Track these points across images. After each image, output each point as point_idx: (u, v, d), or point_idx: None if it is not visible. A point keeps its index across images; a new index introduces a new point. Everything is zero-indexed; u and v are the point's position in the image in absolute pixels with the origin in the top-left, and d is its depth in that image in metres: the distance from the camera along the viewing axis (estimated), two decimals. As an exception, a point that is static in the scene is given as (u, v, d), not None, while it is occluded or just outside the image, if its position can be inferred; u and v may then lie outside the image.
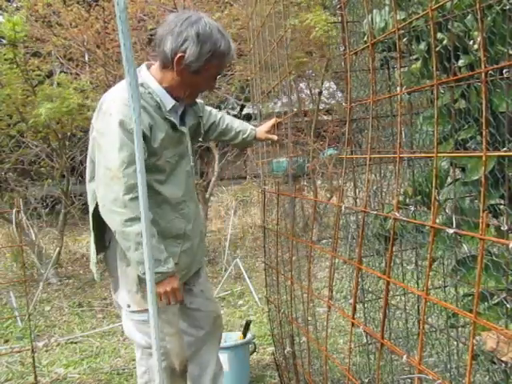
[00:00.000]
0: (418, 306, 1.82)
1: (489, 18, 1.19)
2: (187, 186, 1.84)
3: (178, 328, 1.91)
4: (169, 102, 1.72)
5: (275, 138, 2.16)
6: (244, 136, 2.15)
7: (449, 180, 1.40)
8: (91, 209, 1.76)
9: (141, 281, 1.74)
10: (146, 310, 1.69)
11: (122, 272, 1.80)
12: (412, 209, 1.46)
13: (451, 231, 1.00)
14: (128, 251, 1.65)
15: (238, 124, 2.16)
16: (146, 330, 1.76)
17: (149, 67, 1.77)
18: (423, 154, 1.54)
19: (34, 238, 4.76)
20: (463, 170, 1.36)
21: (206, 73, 1.69)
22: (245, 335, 2.60)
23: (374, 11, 1.48)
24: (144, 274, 1.61)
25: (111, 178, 1.60)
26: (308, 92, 6.35)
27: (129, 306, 1.80)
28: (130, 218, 1.59)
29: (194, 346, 2.07)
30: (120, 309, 1.93)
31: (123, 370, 2.83)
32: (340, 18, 1.80)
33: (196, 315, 2.05)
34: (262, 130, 2.18)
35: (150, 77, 1.71)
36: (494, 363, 1.22)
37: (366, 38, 1.50)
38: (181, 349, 1.90)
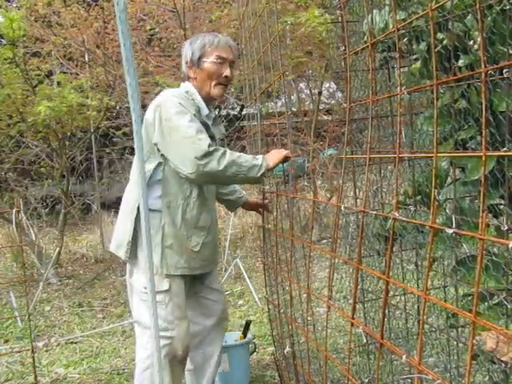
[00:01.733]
0: (418, 306, 1.82)
1: (489, 18, 1.19)
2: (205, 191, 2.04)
3: (186, 313, 2.03)
4: (205, 108, 2.03)
5: (266, 208, 2.38)
6: (236, 197, 2.39)
7: (449, 180, 1.40)
8: (135, 196, 1.93)
9: (163, 259, 1.91)
10: (162, 292, 1.90)
11: (143, 256, 1.87)
12: (412, 209, 1.46)
13: (451, 231, 1.00)
14: (244, 173, 1.85)
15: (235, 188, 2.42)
16: (158, 311, 1.84)
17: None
18: (423, 154, 1.54)
19: (33, 238, 4.76)
20: (463, 170, 1.36)
21: (209, 60, 2.00)
22: (245, 335, 2.60)
23: (374, 11, 1.48)
24: (263, 173, 1.87)
25: (191, 141, 1.81)
26: (308, 92, 6.35)
27: (145, 288, 1.88)
28: (220, 158, 1.80)
29: (200, 335, 2.17)
30: (131, 294, 2.04)
31: (123, 370, 2.83)
32: (339, 18, 1.80)
33: (205, 303, 2.18)
34: (251, 202, 2.46)
35: (192, 87, 2.04)
36: (494, 363, 1.22)
37: (365, 38, 1.50)
38: (186, 335, 2.01)
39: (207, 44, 2.00)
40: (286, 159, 1.97)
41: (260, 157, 1.92)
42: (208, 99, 2.06)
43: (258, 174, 1.87)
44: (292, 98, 5.80)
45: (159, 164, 1.93)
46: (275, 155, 1.94)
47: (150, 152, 1.93)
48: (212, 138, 1.97)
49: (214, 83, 2.02)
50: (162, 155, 1.91)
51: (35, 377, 2.35)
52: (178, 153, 1.84)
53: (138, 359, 2.01)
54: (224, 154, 1.83)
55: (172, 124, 1.85)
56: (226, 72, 2.02)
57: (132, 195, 1.99)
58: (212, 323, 2.19)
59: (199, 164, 1.79)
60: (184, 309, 2.01)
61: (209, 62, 2.00)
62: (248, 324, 2.62)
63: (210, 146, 1.81)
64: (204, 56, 2.00)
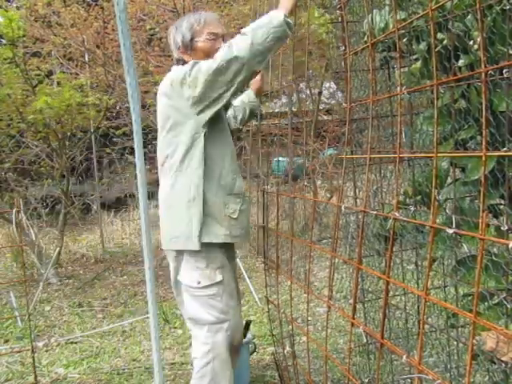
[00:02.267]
0: (418, 306, 1.82)
1: (489, 18, 1.19)
2: (233, 152, 2.03)
3: (237, 301, 2.04)
4: None
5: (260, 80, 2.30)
6: (248, 101, 2.31)
7: (449, 180, 1.40)
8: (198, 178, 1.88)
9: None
10: (215, 284, 1.91)
11: (190, 251, 1.88)
12: (412, 209, 1.46)
13: (451, 231, 1.00)
14: (271, 26, 1.74)
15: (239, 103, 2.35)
16: (215, 303, 1.89)
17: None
18: (423, 154, 1.54)
19: (34, 238, 4.76)
20: (463, 170, 1.36)
21: (201, 39, 1.95)
22: (245, 335, 2.60)
23: (374, 11, 1.48)
24: (285, 15, 1.74)
25: (214, 68, 1.77)
26: (308, 92, 6.35)
27: (199, 283, 1.89)
28: (243, 42, 1.75)
29: None
30: (178, 296, 2.03)
31: (123, 370, 2.83)
32: (339, 18, 1.80)
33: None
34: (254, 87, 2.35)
35: None
36: (494, 363, 1.22)
37: (366, 38, 1.50)
38: (240, 322, 2.04)
39: (195, 23, 1.96)
40: None
41: (271, 12, 1.81)
42: None
43: (281, 17, 1.74)
44: (292, 98, 5.80)
45: (191, 137, 1.88)
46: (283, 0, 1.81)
47: (177, 129, 1.89)
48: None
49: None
50: (199, 126, 1.87)
51: (35, 377, 2.35)
52: (217, 70, 1.78)
53: (198, 355, 1.94)
54: (243, 32, 1.78)
55: (192, 76, 1.82)
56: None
57: (181, 186, 1.92)
58: (238, 304, 2.15)
59: (233, 54, 1.74)
60: (235, 295, 2.01)
61: (202, 41, 1.95)
62: (248, 324, 2.61)
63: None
64: (195, 36, 1.95)
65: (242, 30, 1.78)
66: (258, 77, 2.24)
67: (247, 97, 2.33)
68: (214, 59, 1.78)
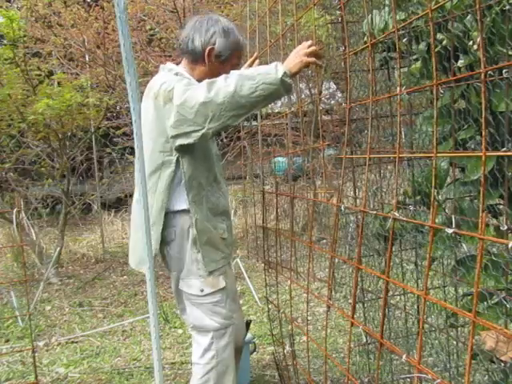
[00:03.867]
0: (418, 306, 1.82)
1: (488, 19, 1.19)
2: (219, 167, 1.95)
3: (239, 304, 2.06)
4: None
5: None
6: None
7: (448, 180, 1.40)
8: (158, 204, 1.79)
9: (204, 257, 1.82)
10: (219, 291, 1.87)
11: (192, 260, 1.83)
12: (411, 209, 1.46)
13: (451, 231, 1.00)
14: (262, 82, 1.58)
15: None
16: (219, 310, 1.87)
17: (177, 64, 1.92)
18: (423, 154, 1.55)
19: (34, 238, 4.76)
20: (463, 170, 1.36)
21: (231, 61, 1.86)
22: (245, 335, 2.61)
23: (374, 11, 1.49)
24: (284, 73, 1.56)
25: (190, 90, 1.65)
26: (308, 92, 6.35)
27: (202, 291, 1.85)
28: (225, 79, 1.61)
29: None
30: (180, 304, 1.99)
31: (124, 369, 2.84)
32: (338, 18, 1.81)
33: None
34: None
35: (183, 70, 1.86)
36: (493, 363, 1.22)
37: (365, 39, 1.50)
38: (242, 324, 2.06)
39: (238, 44, 1.86)
40: (309, 61, 1.62)
41: (272, 64, 1.64)
42: None
43: (279, 75, 1.56)
44: (292, 98, 5.80)
45: (177, 162, 1.78)
46: (292, 57, 1.63)
47: (164, 151, 1.78)
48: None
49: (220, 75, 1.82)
50: (177, 149, 1.75)
51: (36, 376, 2.35)
52: (187, 107, 1.63)
53: (202, 361, 1.90)
54: (227, 76, 1.62)
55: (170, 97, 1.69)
56: (235, 65, 1.89)
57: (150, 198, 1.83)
58: (238, 308, 2.17)
59: (209, 97, 1.58)
60: (237, 300, 2.02)
61: (232, 62, 1.86)
62: (248, 324, 2.62)
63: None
64: (232, 53, 1.85)
65: (231, 72, 1.64)
66: (256, 62, 2.07)
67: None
68: (191, 91, 1.63)
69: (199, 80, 1.81)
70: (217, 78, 1.68)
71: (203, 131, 1.64)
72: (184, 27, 1.93)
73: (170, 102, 1.69)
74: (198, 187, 1.82)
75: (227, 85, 1.58)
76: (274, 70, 1.58)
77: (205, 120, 1.62)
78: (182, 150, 1.76)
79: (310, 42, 1.65)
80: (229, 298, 1.91)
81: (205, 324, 1.88)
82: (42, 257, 4.77)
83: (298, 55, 1.62)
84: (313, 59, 1.63)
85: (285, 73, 1.57)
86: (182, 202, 1.81)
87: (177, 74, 1.81)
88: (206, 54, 1.82)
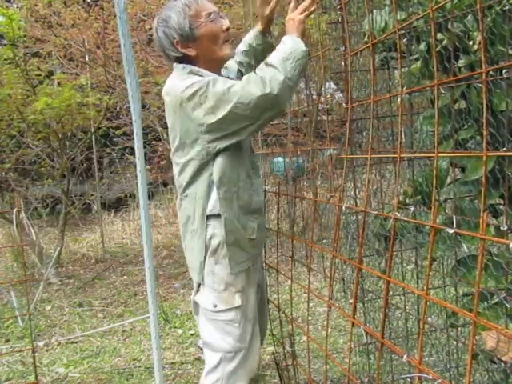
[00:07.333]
0: (418, 306, 1.82)
1: (489, 19, 1.19)
2: (253, 162, 1.86)
3: (258, 328, 1.86)
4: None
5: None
6: (254, 43, 2.05)
7: (449, 180, 1.40)
8: (200, 207, 1.71)
9: (228, 280, 1.73)
10: (233, 309, 1.72)
11: (208, 271, 1.73)
12: (412, 209, 1.46)
13: (451, 231, 1.00)
14: (297, 55, 1.61)
15: (245, 46, 2.09)
16: (231, 330, 1.73)
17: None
18: (423, 154, 1.55)
19: (34, 238, 4.76)
20: (463, 169, 1.36)
21: (201, 24, 1.70)
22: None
23: (374, 11, 1.49)
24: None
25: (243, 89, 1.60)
26: (307, 92, 6.35)
27: (215, 306, 1.74)
28: (275, 76, 1.58)
29: None
30: (195, 314, 1.88)
31: (124, 369, 2.84)
32: (338, 19, 1.81)
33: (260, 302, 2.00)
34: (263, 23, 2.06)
35: (195, 67, 1.73)
36: (494, 363, 1.22)
37: (366, 39, 1.50)
38: (258, 351, 1.87)
39: (186, 9, 1.69)
40: (304, 17, 1.69)
41: (285, 39, 1.67)
42: (219, 66, 1.81)
43: (302, 45, 1.63)
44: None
45: (199, 164, 1.69)
46: (291, 25, 1.69)
47: (184, 150, 1.69)
48: None
49: (220, 44, 1.74)
50: (209, 140, 1.66)
51: (36, 376, 2.35)
52: (242, 104, 1.58)
53: (207, 381, 1.79)
54: (265, 64, 1.62)
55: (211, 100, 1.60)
56: (224, 24, 1.75)
57: (185, 213, 1.77)
58: (261, 320, 1.99)
59: (265, 92, 1.56)
60: (257, 323, 1.82)
61: (202, 26, 1.70)
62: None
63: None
64: (193, 23, 1.69)
65: (268, 61, 1.62)
66: (267, 10, 1.96)
67: (254, 39, 2.04)
68: (241, 90, 1.59)
69: (207, 59, 1.74)
70: (252, 69, 1.69)
71: (259, 122, 1.64)
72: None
73: (199, 107, 1.62)
74: (228, 183, 1.70)
75: (275, 73, 1.58)
76: (298, 43, 1.63)
77: (263, 112, 1.60)
78: (219, 150, 1.69)
79: (292, 5, 1.73)
80: (244, 319, 1.75)
81: (215, 343, 1.76)
82: (41, 257, 4.77)
83: (293, 21, 1.69)
84: (306, 12, 1.70)
85: (302, 40, 1.64)
86: (216, 203, 1.71)
87: (191, 72, 1.69)
88: (181, 50, 1.72)
